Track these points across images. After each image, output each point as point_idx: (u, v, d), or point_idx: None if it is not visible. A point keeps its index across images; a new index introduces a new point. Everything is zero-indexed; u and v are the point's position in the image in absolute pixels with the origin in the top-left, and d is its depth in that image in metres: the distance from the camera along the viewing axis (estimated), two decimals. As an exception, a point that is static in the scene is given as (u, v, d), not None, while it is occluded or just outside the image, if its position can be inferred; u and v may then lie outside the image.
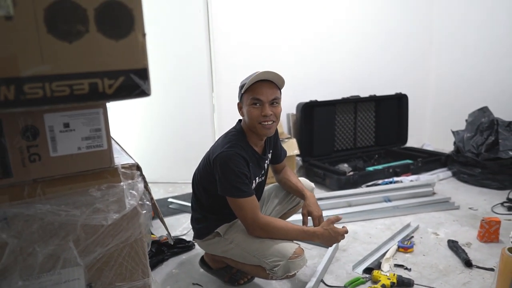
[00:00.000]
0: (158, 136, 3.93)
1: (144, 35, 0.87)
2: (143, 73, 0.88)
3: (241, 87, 1.80)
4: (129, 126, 3.96)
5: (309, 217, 1.98)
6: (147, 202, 1.16)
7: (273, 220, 1.76)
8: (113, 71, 0.85)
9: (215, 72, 3.76)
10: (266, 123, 1.75)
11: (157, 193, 3.65)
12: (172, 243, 2.02)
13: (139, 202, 1.13)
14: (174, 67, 3.73)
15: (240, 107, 1.86)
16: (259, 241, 1.74)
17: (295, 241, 1.76)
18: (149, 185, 3.58)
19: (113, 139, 1.58)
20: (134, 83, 0.88)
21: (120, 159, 1.16)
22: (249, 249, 1.75)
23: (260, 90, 1.73)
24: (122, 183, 1.08)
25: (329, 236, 1.76)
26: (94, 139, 1.03)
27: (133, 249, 1.16)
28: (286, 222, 1.80)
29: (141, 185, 1.13)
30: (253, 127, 1.78)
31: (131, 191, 1.10)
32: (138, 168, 1.14)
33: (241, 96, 1.83)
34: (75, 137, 1.00)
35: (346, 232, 1.81)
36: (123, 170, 1.10)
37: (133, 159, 1.18)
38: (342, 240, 1.83)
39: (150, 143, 3.95)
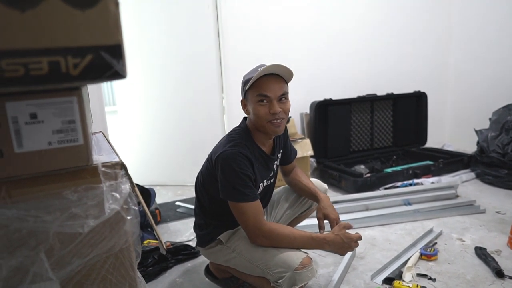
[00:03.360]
0: (166, 138, 3.82)
1: (117, 4, 0.72)
2: (116, 51, 0.73)
3: (245, 82, 1.64)
4: (138, 128, 3.87)
5: (325, 221, 1.80)
6: (134, 207, 1.00)
7: (278, 227, 1.58)
8: (79, 47, 0.70)
9: (225, 72, 3.63)
10: (275, 121, 1.59)
11: (165, 196, 3.53)
12: (164, 253, 1.87)
13: (124, 206, 0.98)
14: (182, 68, 3.62)
15: (244, 105, 1.69)
16: (262, 250, 1.57)
17: (303, 250, 1.59)
18: (157, 188, 3.47)
19: (105, 136, 1.44)
20: (105, 63, 0.72)
21: (102, 157, 1.01)
22: (252, 258, 1.58)
23: (266, 86, 1.57)
24: (102, 184, 0.94)
25: (341, 243, 1.58)
26: (67, 133, 0.88)
27: (119, 260, 1.01)
28: (292, 228, 1.62)
29: (125, 187, 0.98)
30: (261, 126, 1.62)
31: (113, 193, 0.95)
32: (122, 167, 0.99)
33: (245, 93, 1.65)
34: (45, 130, 0.86)
35: (360, 238, 1.63)
36: (103, 169, 0.95)
37: (118, 157, 1.03)
38: (356, 248, 1.65)
39: (159, 145, 3.85)
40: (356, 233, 1.64)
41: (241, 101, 1.70)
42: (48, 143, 0.87)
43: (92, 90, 2.64)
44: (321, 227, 1.79)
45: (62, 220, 0.89)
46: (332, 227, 1.76)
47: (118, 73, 0.74)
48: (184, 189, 3.71)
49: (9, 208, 0.85)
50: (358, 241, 1.62)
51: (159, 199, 3.37)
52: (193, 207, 2.95)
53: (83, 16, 0.70)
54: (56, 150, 0.88)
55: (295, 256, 1.50)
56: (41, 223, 0.88)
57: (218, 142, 1.71)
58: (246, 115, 1.75)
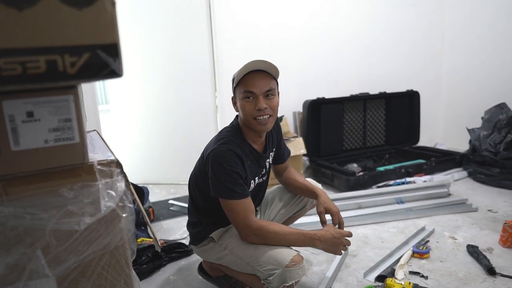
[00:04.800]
0: (159, 137, 3.81)
1: (113, 3, 0.73)
2: (113, 49, 0.74)
3: (233, 80, 1.66)
4: (131, 126, 3.86)
5: (327, 215, 1.80)
6: (129, 204, 1.01)
7: (268, 224, 1.58)
8: (76, 46, 0.71)
9: (218, 71, 3.63)
10: (261, 117, 1.59)
11: (159, 195, 3.53)
12: (159, 251, 1.88)
13: (119, 204, 0.98)
14: (175, 66, 3.61)
15: (234, 102, 1.72)
16: (253, 247, 1.57)
17: (295, 248, 1.59)
18: (151, 186, 3.47)
19: (99, 134, 1.44)
20: (102, 61, 0.73)
21: (98, 155, 1.01)
22: (243, 256, 1.58)
23: (252, 82, 1.58)
24: (98, 182, 0.94)
25: (332, 238, 1.58)
26: (64, 131, 0.89)
27: (114, 257, 1.02)
28: (282, 225, 1.63)
29: (121, 185, 0.98)
30: (248, 123, 1.64)
31: (108, 191, 0.96)
32: (118, 165, 0.99)
33: (234, 90, 1.68)
34: (41, 128, 0.86)
35: (350, 235, 1.64)
36: (99, 167, 0.95)
37: (113, 155, 1.04)
38: (349, 246, 1.66)
39: (152, 143, 3.84)
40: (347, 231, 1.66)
41: (231, 98, 1.73)
42: (45, 141, 0.87)
43: (86, 89, 2.64)
44: (323, 221, 1.77)
45: (58, 217, 0.90)
46: (333, 220, 1.77)
47: (114, 72, 0.75)
48: (177, 188, 3.71)
49: (6, 205, 0.85)
50: (350, 240, 1.63)
51: (152, 197, 3.37)
52: (186, 205, 2.97)
53: (80, 15, 0.70)
54: (53, 148, 0.89)
55: (285, 254, 1.50)
56: (37, 220, 0.88)
57: (210, 140, 1.72)
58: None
